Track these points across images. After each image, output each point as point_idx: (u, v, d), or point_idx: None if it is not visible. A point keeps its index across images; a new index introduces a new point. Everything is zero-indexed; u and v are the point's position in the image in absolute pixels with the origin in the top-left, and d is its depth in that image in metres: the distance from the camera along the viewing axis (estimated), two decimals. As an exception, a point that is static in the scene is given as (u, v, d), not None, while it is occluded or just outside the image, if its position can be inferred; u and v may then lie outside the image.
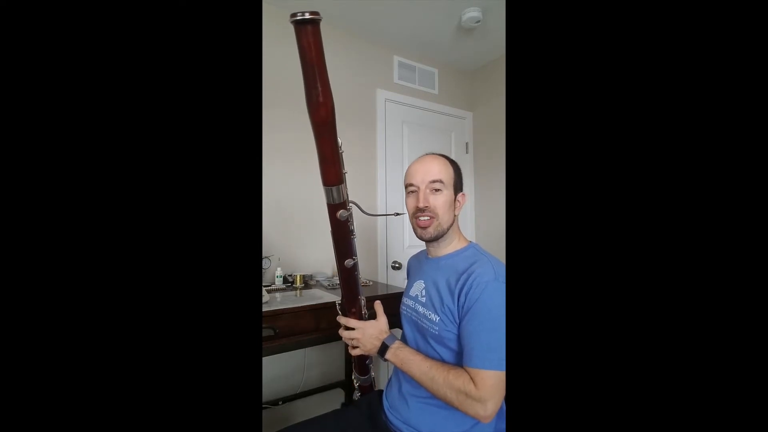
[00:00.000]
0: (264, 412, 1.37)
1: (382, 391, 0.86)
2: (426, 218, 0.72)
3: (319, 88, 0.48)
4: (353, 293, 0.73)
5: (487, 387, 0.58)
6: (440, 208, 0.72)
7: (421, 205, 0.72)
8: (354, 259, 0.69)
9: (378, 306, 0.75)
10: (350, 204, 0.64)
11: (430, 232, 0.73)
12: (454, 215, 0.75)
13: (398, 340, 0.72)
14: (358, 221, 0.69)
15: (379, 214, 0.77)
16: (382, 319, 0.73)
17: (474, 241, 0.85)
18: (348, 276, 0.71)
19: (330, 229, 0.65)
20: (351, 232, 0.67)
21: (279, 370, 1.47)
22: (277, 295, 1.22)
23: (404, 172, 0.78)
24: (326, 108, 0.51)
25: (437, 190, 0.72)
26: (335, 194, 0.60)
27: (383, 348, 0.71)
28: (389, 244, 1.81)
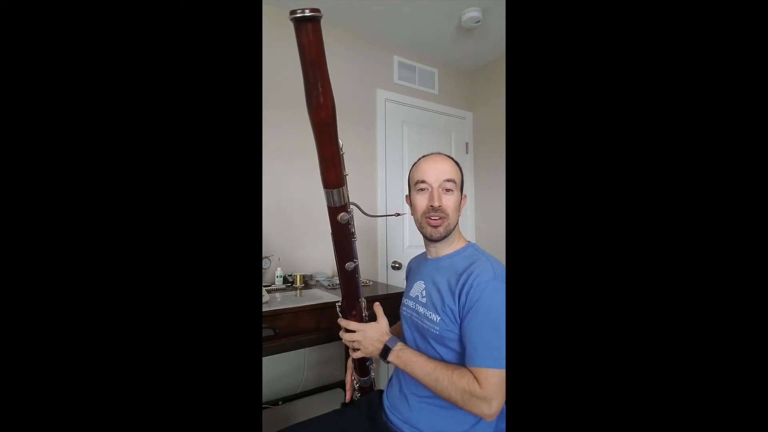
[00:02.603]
0: (264, 412, 1.37)
1: (382, 391, 0.86)
2: (437, 217, 0.72)
3: (320, 89, 0.47)
4: (354, 296, 0.72)
5: (491, 385, 0.59)
6: (451, 208, 0.72)
7: (435, 204, 0.71)
8: (355, 262, 0.69)
9: (378, 308, 0.74)
10: (351, 206, 0.63)
11: (441, 231, 0.73)
12: (458, 215, 0.76)
13: (400, 341, 0.72)
14: (358, 221, 0.69)
15: (379, 215, 0.76)
16: (382, 321, 0.73)
17: (474, 241, 0.85)
18: (348, 278, 0.70)
19: (330, 230, 0.65)
20: (352, 235, 0.66)
21: (279, 370, 1.47)
22: (277, 295, 1.22)
23: (404, 172, 0.78)
24: (327, 109, 0.49)
25: (449, 190, 0.72)
26: (336, 197, 0.59)
27: (385, 350, 0.70)
28: (389, 245, 1.81)
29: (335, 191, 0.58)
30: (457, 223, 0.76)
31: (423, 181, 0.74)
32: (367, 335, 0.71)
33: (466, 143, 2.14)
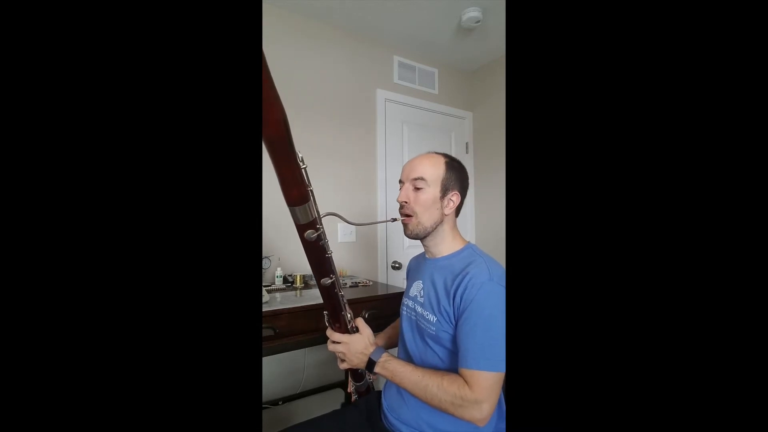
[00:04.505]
0: (264, 412, 1.37)
1: (380, 391, 0.86)
2: (404, 215, 0.74)
3: (263, 102, 0.40)
4: (336, 310, 0.70)
5: (482, 388, 0.58)
6: (420, 205, 0.72)
7: (400, 199, 0.73)
8: (331, 278, 0.65)
9: (359, 321, 0.73)
10: (323, 220, 0.59)
11: (410, 228, 0.74)
12: (443, 214, 0.74)
13: (385, 352, 0.70)
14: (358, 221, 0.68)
15: (366, 223, 0.73)
16: (366, 331, 0.71)
17: (474, 241, 0.85)
18: (328, 294, 0.68)
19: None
20: (325, 251, 0.62)
21: (279, 370, 1.47)
22: (277, 295, 1.22)
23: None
24: (273, 124, 0.42)
25: (418, 188, 0.72)
26: (300, 214, 0.55)
27: (370, 363, 0.69)
28: (389, 244, 1.81)
29: (299, 208, 0.54)
30: (442, 222, 0.74)
31: (400, 179, 0.76)
32: (351, 348, 0.70)
33: (466, 143, 2.14)
